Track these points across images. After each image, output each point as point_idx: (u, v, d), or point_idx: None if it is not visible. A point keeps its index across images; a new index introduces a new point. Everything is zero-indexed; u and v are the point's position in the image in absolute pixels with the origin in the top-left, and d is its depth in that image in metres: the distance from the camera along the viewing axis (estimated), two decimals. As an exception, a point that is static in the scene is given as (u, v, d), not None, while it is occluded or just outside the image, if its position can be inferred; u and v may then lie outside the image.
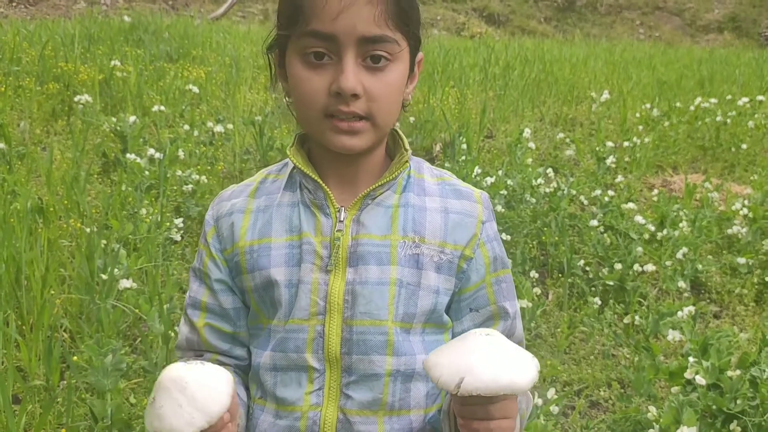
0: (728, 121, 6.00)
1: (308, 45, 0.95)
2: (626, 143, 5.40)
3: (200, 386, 0.85)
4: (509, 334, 1.08)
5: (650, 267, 3.57)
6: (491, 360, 0.85)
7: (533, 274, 3.52)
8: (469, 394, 0.84)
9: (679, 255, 3.70)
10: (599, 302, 3.35)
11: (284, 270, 1.01)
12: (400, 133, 1.08)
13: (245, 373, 1.09)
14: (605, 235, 3.90)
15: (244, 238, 1.04)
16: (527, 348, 1.14)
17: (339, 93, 0.94)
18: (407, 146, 1.06)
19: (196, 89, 5.64)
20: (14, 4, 10.24)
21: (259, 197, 1.07)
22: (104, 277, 2.74)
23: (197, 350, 1.09)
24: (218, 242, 1.07)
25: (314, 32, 0.93)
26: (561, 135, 5.64)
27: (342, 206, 1.02)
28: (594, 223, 3.95)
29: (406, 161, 1.04)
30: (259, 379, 1.04)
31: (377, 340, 0.99)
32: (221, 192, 1.12)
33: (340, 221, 1.01)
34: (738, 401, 2.07)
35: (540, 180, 4.30)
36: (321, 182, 1.02)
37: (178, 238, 3.49)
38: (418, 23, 1.00)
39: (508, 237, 3.78)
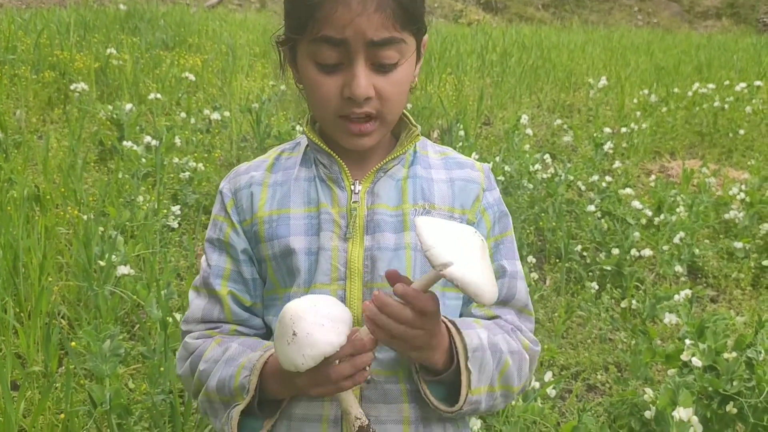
0: (726, 106, 5.99)
1: (320, 50, 0.97)
2: (624, 129, 5.39)
3: (327, 304, 0.91)
4: (509, 295, 1.10)
5: (647, 252, 3.58)
6: (480, 265, 0.90)
7: (531, 259, 3.53)
8: (449, 278, 0.86)
9: (676, 240, 3.71)
10: (596, 287, 3.36)
11: (303, 239, 1.05)
12: (405, 111, 1.11)
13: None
14: (602, 220, 3.90)
15: (263, 209, 1.08)
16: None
17: (351, 98, 0.98)
18: (414, 122, 1.11)
19: (192, 77, 5.62)
20: (9, -8, 10.17)
21: (276, 172, 1.11)
22: (102, 263, 2.74)
23: (214, 321, 1.10)
24: (237, 214, 1.10)
25: (326, 38, 0.96)
26: (558, 121, 5.63)
27: (356, 179, 1.07)
28: (591, 208, 3.96)
29: (417, 134, 1.10)
30: None
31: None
32: (236, 167, 1.16)
33: (355, 193, 1.06)
34: (734, 383, 2.08)
35: (537, 166, 4.30)
36: (337, 157, 1.07)
37: (175, 225, 3.49)
38: (422, 15, 1.03)
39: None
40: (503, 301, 1.10)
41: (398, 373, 1.03)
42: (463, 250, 0.90)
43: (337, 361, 0.91)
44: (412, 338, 0.92)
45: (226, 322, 1.10)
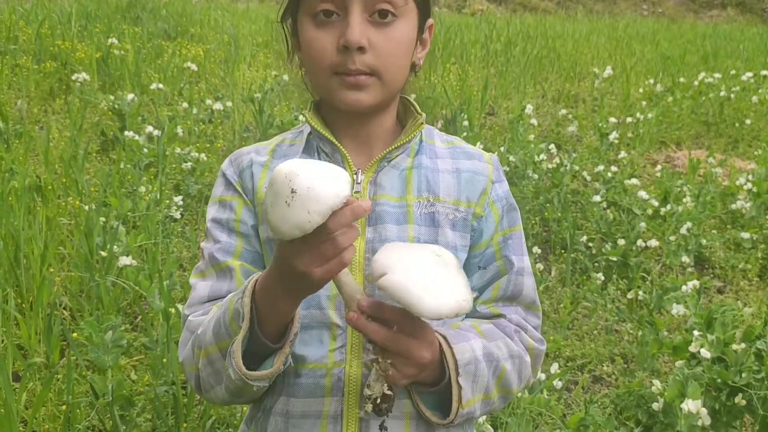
0: (732, 96, 5.94)
1: (316, 3, 0.96)
2: (629, 119, 5.35)
3: (320, 162, 0.84)
4: (515, 291, 1.07)
5: (653, 242, 3.55)
6: (417, 272, 0.84)
7: (536, 250, 3.50)
8: (380, 287, 0.84)
9: (682, 230, 3.68)
10: (602, 278, 3.33)
11: None
12: (411, 99, 1.08)
13: None
14: (608, 210, 3.88)
15: (261, 191, 1.04)
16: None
17: (346, 47, 0.95)
18: (419, 110, 1.07)
19: (194, 67, 5.59)
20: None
21: (277, 158, 1.08)
22: (104, 254, 2.72)
23: (224, 296, 1.01)
24: (245, 193, 1.07)
25: None
26: (563, 111, 5.59)
27: (358, 168, 1.03)
28: (597, 198, 3.92)
29: (422, 123, 1.06)
30: None
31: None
32: (237, 150, 1.13)
33: (358, 183, 1.02)
34: (743, 374, 2.06)
35: (542, 156, 4.27)
36: (338, 144, 1.03)
37: (177, 215, 3.47)
38: None
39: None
40: (509, 298, 1.07)
41: None
42: (406, 261, 0.85)
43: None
44: (397, 365, 0.90)
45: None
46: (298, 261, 0.83)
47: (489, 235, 1.07)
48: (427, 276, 0.85)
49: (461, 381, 0.95)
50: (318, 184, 0.79)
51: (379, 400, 0.91)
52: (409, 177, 1.04)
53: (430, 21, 1.05)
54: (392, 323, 0.88)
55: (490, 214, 1.07)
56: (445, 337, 0.97)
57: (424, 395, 0.98)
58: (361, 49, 0.95)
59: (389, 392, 0.91)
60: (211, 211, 1.07)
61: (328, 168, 0.83)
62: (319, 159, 1.05)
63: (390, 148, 1.04)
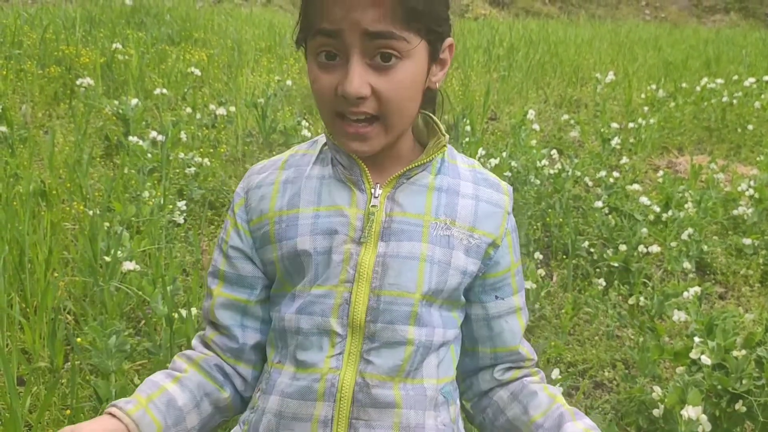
0: (734, 101, 5.94)
1: (319, 44, 0.96)
2: (631, 124, 5.36)
3: None
4: (524, 320, 1.17)
5: (655, 248, 3.55)
6: None
7: (537, 255, 3.51)
8: None
9: (684, 236, 3.68)
10: (604, 283, 3.34)
11: (314, 239, 1.03)
12: (434, 118, 1.09)
13: (235, 358, 1.13)
14: (610, 216, 3.88)
15: (273, 209, 1.06)
16: (531, 329, 1.20)
17: (344, 96, 0.95)
18: (444, 131, 1.08)
19: (198, 72, 5.61)
20: (15, -13, 10.17)
21: (288, 169, 1.09)
22: (107, 259, 2.74)
23: (208, 320, 1.14)
24: (245, 213, 1.09)
25: (322, 30, 0.94)
26: (565, 116, 5.60)
27: (377, 183, 1.04)
28: (598, 204, 3.93)
29: (444, 145, 1.07)
30: (279, 342, 1.07)
31: (403, 310, 1.02)
32: (253, 166, 1.15)
33: (375, 197, 1.03)
34: (744, 381, 2.06)
35: (544, 161, 4.28)
36: (358, 160, 1.04)
37: (181, 220, 3.49)
38: (435, 18, 0.97)
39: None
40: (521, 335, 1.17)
41: (393, 379, 1.02)
42: None
43: None
44: None
45: (211, 324, 1.14)
46: None
47: (506, 264, 1.12)
48: None
49: None
50: None
51: None
52: (429, 197, 1.05)
53: (449, 41, 1.03)
54: None
55: (505, 245, 1.10)
56: None
57: None
58: (361, 99, 0.94)
59: None
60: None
61: None
62: (334, 170, 1.06)
63: (410, 166, 1.04)
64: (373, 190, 1.03)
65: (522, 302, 1.15)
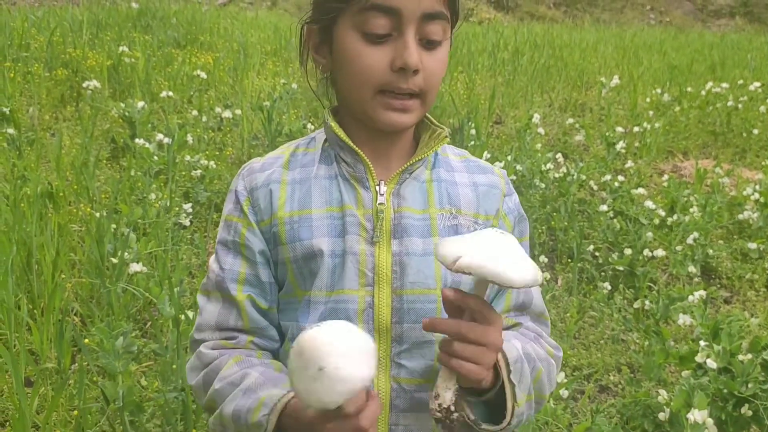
0: (740, 106, 5.94)
1: (369, 19, 0.95)
2: (636, 128, 5.36)
3: (350, 333, 0.83)
4: (527, 300, 1.09)
5: (660, 252, 3.55)
6: (492, 249, 0.88)
7: (543, 259, 3.51)
8: (461, 270, 0.86)
9: (689, 240, 3.68)
10: (609, 287, 3.34)
11: (328, 240, 1.01)
12: (427, 113, 1.10)
13: (275, 357, 1.07)
14: (615, 220, 3.88)
15: (283, 209, 1.03)
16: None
17: (403, 68, 0.95)
18: (438, 124, 1.09)
19: (204, 75, 5.63)
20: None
21: (293, 169, 1.06)
22: (114, 261, 2.75)
23: (230, 329, 1.04)
24: (254, 214, 1.05)
25: (378, 5, 0.94)
26: (570, 120, 5.60)
27: (381, 179, 1.03)
28: (604, 208, 3.93)
29: (446, 137, 1.07)
30: None
31: (428, 308, 1.00)
32: (249, 164, 1.10)
33: (381, 194, 1.02)
34: (749, 385, 2.06)
35: (549, 165, 4.28)
36: (362, 155, 1.03)
37: (187, 223, 3.50)
38: (461, 5, 1.03)
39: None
40: (520, 307, 1.09)
41: (429, 382, 1.00)
42: (474, 243, 0.88)
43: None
44: (485, 358, 0.90)
45: (242, 331, 1.05)
46: (318, 421, 0.86)
47: None
48: (501, 251, 0.87)
49: (512, 378, 0.95)
50: (347, 364, 0.79)
51: (452, 408, 0.91)
52: (430, 190, 1.05)
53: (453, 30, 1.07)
54: (471, 310, 0.90)
55: (503, 226, 1.09)
56: None
57: (476, 408, 0.97)
58: (416, 72, 0.96)
59: (459, 396, 0.91)
60: (220, 231, 1.08)
61: (357, 340, 0.82)
62: (339, 168, 1.04)
63: (413, 160, 1.04)
64: (377, 188, 1.02)
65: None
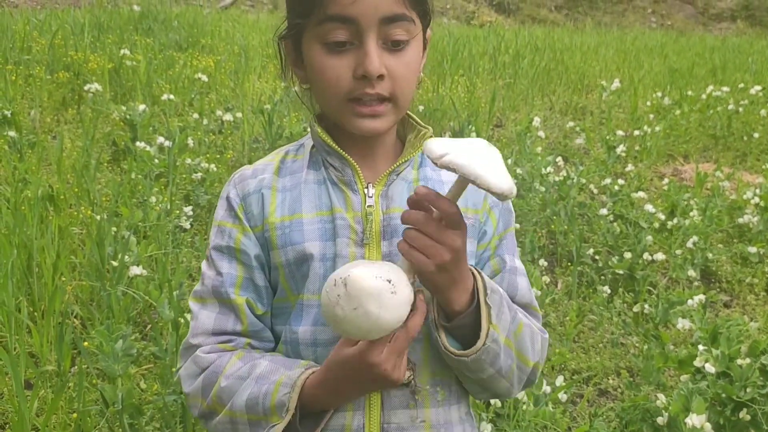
0: (740, 109, 5.94)
1: (328, 31, 0.96)
2: (637, 132, 5.36)
3: (383, 264, 0.92)
4: (511, 290, 1.08)
5: (660, 256, 3.55)
6: (478, 154, 0.90)
7: (542, 262, 3.51)
8: (445, 166, 0.88)
9: (689, 244, 3.68)
10: (608, 291, 3.34)
11: (319, 244, 1.02)
12: (410, 113, 1.10)
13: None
14: (615, 223, 3.88)
15: (274, 215, 1.04)
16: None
17: (365, 76, 0.96)
18: (423, 124, 1.09)
19: (205, 78, 5.64)
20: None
21: (283, 176, 1.08)
22: (115, 264, 2.76)
23: (228, 333, 1.05)
24: (248, 220, 1.06)
25: (334, 16, 0.95)
26: (571, 124, 5.61)
27: (368, 182, 1.04)
28: (604, 211, 3.94)
29: (430, 136, 1.07)
30: (291, 355, 1.04)
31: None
32: (240, 171, 1.11)
33: (369, 197, 1.03)
34: (748, 389, 2.07)
35: (549, 168, 4.28)
36: (350, 159, 1.04)
37: (187, 226, 3.51)
38: (429, 2, 1.02)
39: (518, 225, 3.77)
40: None
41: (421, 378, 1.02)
42: (462, 146, 0.90)
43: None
44: (437, 254, 0.90)
45: (240, 334, 1.05)
46: (376, 357, 0.91)
47: (488, 239, 1.10)
48: (484, 158, 0.90)
49: (489, 301, 0.95)
50: (403, 288, 0.90)
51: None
52: None
53: (429, 32, 1.07)
54: (441, 211, 0.91)
55: (488, 219, 1.10)
56: (474, 266, 0.99)
57: (449, 336, 0.98)
58: (380, 77, 0.97)
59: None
60: (213, 237, 1.08)
61: (390, 269, 0.91)
62: (327, 173, 1.06)
63: (399, 161, 1.05)
64: (366, 190, 1.03)
65: (509, 263, 1.10)
